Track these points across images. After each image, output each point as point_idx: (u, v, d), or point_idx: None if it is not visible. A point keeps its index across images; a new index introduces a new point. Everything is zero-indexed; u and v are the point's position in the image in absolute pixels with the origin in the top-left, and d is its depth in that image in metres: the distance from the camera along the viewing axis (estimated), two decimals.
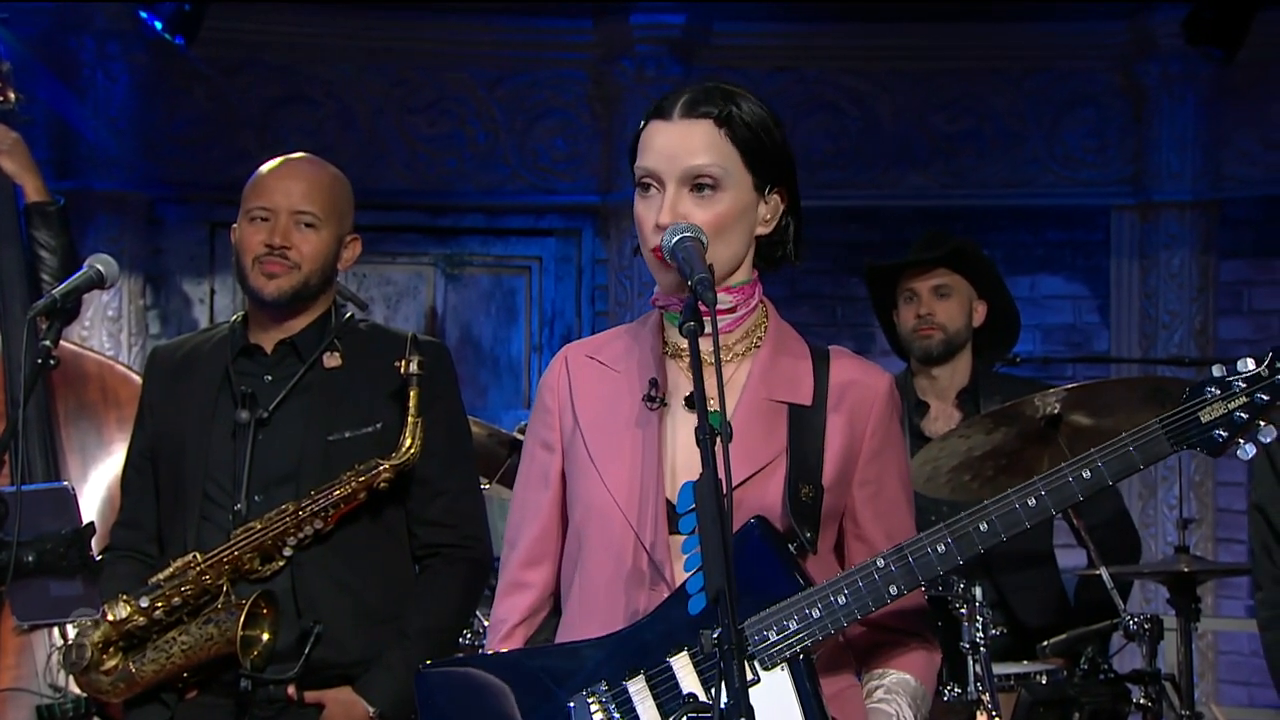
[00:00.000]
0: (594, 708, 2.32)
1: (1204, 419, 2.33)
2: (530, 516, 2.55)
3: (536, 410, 2.56)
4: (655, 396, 2.42)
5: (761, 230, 2.45)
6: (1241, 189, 6.72)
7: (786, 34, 6.93)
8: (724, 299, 2.43)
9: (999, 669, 3.88)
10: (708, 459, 2.11)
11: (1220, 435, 2.33)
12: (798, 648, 2.30)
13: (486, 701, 2.38)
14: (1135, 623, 3.95)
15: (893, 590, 2.33)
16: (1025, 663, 4.14)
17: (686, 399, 2.26)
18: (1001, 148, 6.93)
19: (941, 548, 2.33)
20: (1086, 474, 2.33)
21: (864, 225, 6.84)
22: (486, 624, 4.51)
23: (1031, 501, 2.33)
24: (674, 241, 2.32)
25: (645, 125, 2.45)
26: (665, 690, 2.31)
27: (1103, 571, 3.95)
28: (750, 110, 2.42)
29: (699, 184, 2.39)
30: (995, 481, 4.08)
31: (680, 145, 2.40)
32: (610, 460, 2.41)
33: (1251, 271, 6.78)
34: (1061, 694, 3.95)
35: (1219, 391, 2.33)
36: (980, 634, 3.67)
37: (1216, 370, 2.34)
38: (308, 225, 3.37)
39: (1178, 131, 6.73)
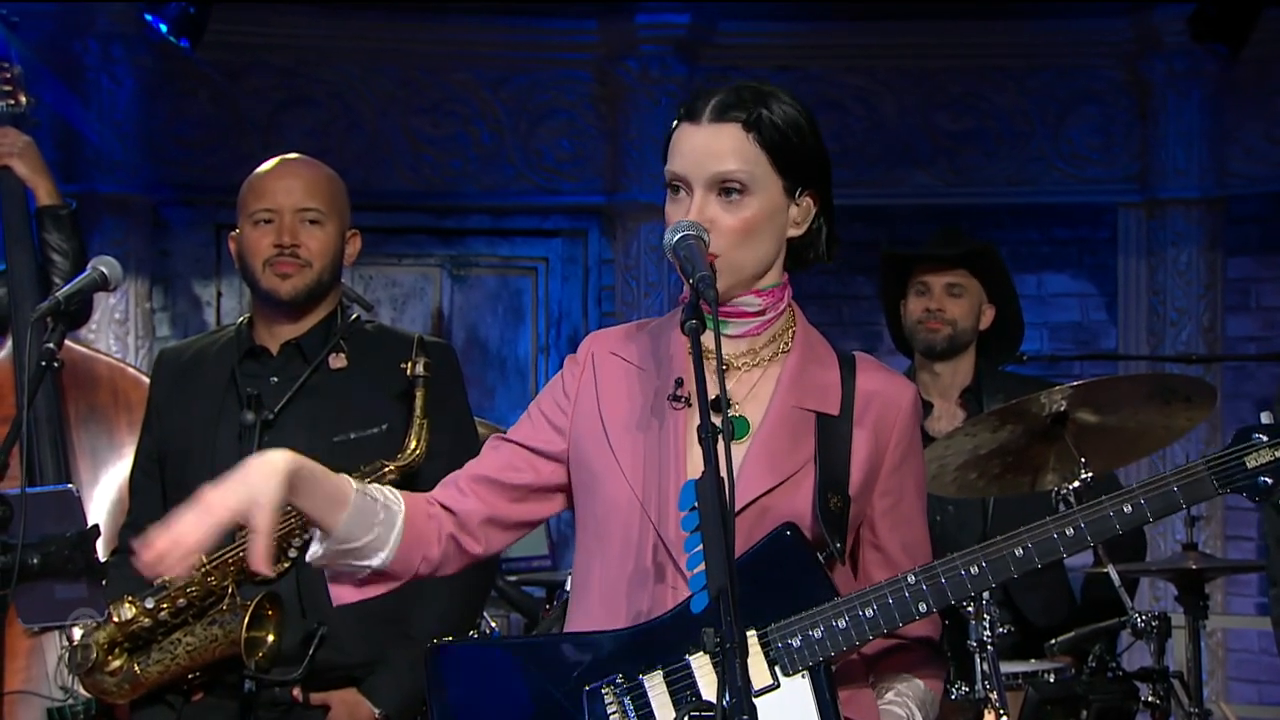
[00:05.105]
0: (609, 700, 2.32)
1: (1250, 464, 2.32)
2: (489, 464, 2.53)
3: (553, 385, 2.54)
4: (680, 395, 2.41)
5: (793, 232, 2.44)
6: (1248, 186, 6.71)
7: (791, 33, 6.93)
8: (752, 301, 2.43)
9: (1006, 667, 3.87)
10: (710, 458, 2.10)
11: (1265, 482, 2.32)
12: (820, 656, 2.30)
13: (499, 685, 2.37)
14: (1143, 620, 3.94)
15: (921, 608, 2.33)
16: (1033, 661, 4.13)
17: (713, 400, 2.25)
18: (1006, 146, 6.93)
19: (975, 569, 2.33)
20: (1128, 509, 2.33)
21: (869, 224, 6.83)
22: (493, 625, 4.55)
23: (1070, 531, 2.34)
24: (675, 240, 2.31)
25: (676, 127, 2.43)
26: (682, 688, 2.31)
27: (1110, 569, 3.94)
28: (781, 112, 2.41)
29: (726, 188, 2.37)
30: (1001, 479, 4.07)
31: (707, 149, 2.38)
32: (634, 458, 2.40)
33: (1258, 268, 6.77)
34: (1069, 692, 3.95)
35: (1266, 438, 2.33)
36: (987, 632, 3.66)
37: (1265, 417, 2.34)
38: (313, 222, 3.38)
39: (1183, 128, 6.72)
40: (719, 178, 2.37)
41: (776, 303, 2.46)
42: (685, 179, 2.39)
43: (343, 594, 2.47)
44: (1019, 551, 2.33)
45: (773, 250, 2.43)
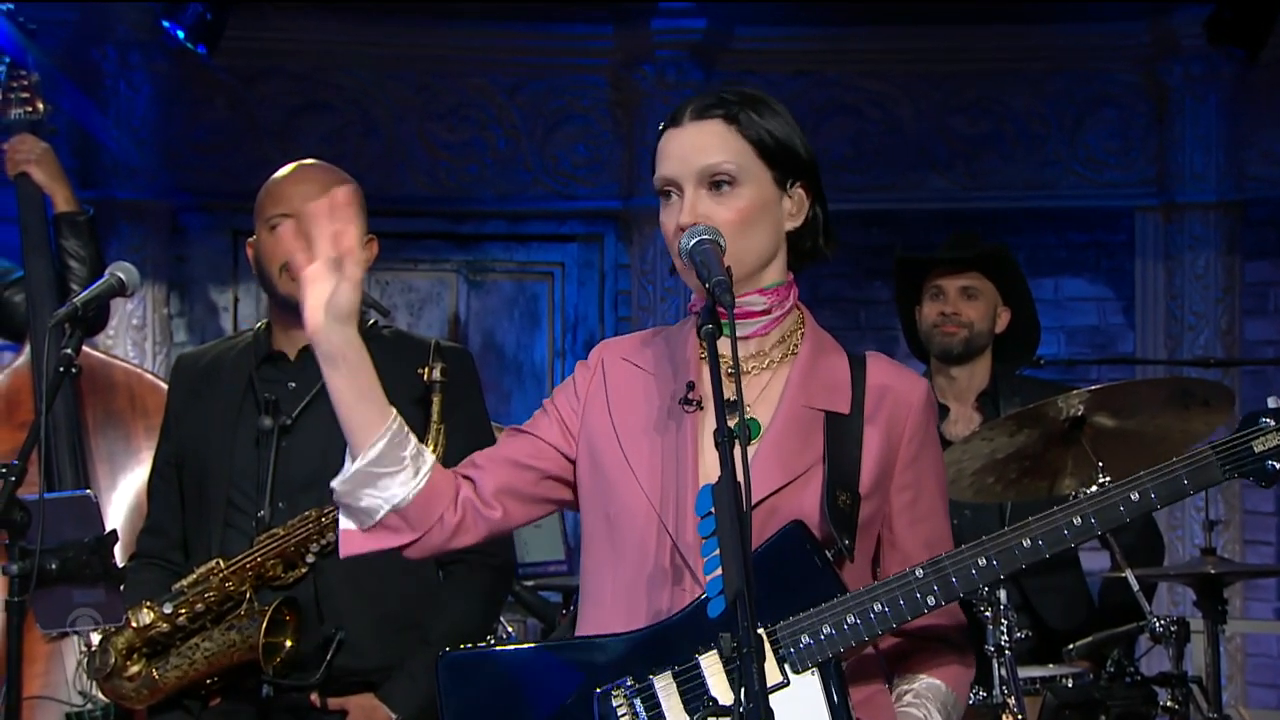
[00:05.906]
0: (618, 702, 2.32)
1: (1258, 449, 2.33)
2: (508, 447, 2.53)
3: (564, 386, 2.55)
4: (691, 400, 2.41)
5: (790, 225, 2.45)
6: (1265, 189, 6.68)
7: (807, 37, 6.93)
8: (757, 300, 2.43)
9: (1024, 672, 3.86)
10: (726, 461, 2.10)
11: (1273, 466, 2.32)
12: (830, 653, 2.30)
13: (509, 691, 2.38)
14: (1161, 625, 3.93)
15: (930, 601, 2.33)
16: (1051, 666, 4.12)
17: (729, 403, 2.26)
18: (1023, 149, 6.91)
19: (982, 561, 2.33)
20: (1134, 496, 2.33)
21: (885, 229, 6.82)
22: (510, 630, 4.54)
23: (1077, 520, 2.33)
24: (691, 244, 2.33)
25: (660, 136, 2.47)
26: (692, 688, 2.31)
27: (1128, 573, 3.93)
28: (761, 106, 2.44)
29: (716, 181, 2.40)
30: (1019, 484, 4.06)
31: (693, 146, 2.41)
32: (645, 462, 2.41)
33: (1276, 272, 6.75)
34: (1087, 697, 3.94)
35: (1273, 422, 2.33)
36: (1005, 637, 3.66)
37: (1272, 401, 2.34)
38: None
39: (1200, 132, 6.70)
40: (708, 171, 2.39)
41: (782, 301, 2.46)
42: (674, 180, 2.41)
43: (352, 541, 2.44)
44: (1026, 543, 2.33)
45: (772, 243, 2.43)
